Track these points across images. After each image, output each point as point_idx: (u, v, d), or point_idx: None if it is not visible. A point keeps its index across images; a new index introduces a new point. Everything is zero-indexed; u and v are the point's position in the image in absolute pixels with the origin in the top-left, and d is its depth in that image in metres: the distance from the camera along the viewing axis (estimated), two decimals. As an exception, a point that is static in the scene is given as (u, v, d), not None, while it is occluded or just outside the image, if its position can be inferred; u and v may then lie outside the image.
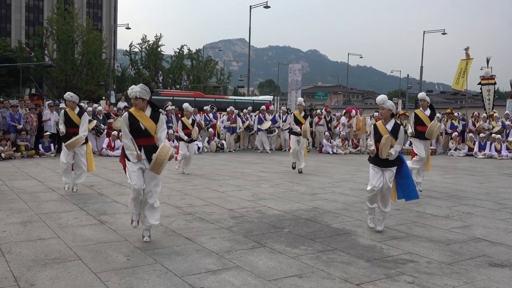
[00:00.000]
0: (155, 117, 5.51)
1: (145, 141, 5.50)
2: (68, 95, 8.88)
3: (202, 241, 5.55)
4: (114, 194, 8.50)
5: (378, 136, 6.15)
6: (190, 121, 11.51)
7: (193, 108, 12.63)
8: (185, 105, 11.82)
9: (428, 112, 9.10)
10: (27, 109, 15.50)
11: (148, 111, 5.51)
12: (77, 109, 8.79)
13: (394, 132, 6.13)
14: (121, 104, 20.59)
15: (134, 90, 5.40)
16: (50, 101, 18.99)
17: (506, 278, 4.55)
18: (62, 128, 8.73)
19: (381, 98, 6.24)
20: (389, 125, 6.18)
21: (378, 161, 6.15)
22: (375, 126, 6.32)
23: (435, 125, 8.76)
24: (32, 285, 4.08)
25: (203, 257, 4.97)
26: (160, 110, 5.70)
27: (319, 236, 5.94)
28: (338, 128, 19.70)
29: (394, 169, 6.16)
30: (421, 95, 9.39)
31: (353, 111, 20.23)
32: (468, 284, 4.38)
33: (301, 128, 11.81)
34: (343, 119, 19.78)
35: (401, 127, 6.23)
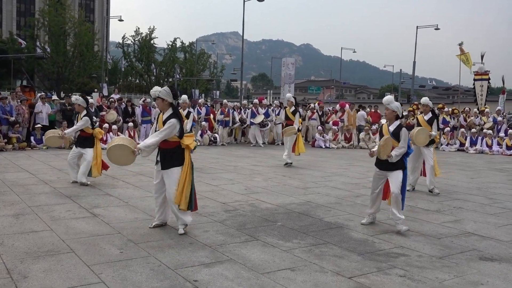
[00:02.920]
0: (165, 121, 5.52)
1: (161, 144, 5.57)
2: (73, 97, 8.91)
3: (195, 234, 5.56)
4: (107, 187, 8.49)
5: (381, 137, 6.06)
6: (185, 112, 11.40)
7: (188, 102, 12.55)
8: (184, 97, 11.84)
9: (428, 116, 8.86)
10: (19, 101, 15.39)
11: (166, 114, 5.55)
12: (84, 112, 8.69)
13: (396, 134, 5.94)
14: (115, 96, 20.48)
15: (155, 89, 5.57)
16: (42, 93, 18.86)
17: (495, 272, 4.62)
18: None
19: (387, 98, 6.09)
20: (392, 127, 6.03)
21: (380, 163, 6.06)
22: (380, 127, 6.25)
23: (417, 132, 8.34)
24: (25, 278, 4.08)
25: (196, 250, 4.99)
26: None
27: (311, 229, 5.98)
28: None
29: (398, 172, 5.93)
30: (424, 100, 9.06)
31: (347, 106, 20.30)
32: (459, 277, 4.43)
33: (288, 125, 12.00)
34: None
35: (404, 129, 5.96)
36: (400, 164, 5.98)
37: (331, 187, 9.16)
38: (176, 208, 5.53)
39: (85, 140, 8.73)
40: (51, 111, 16.01)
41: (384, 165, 6.02)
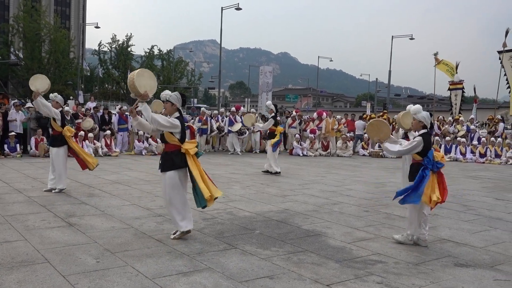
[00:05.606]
0: None
1: (165, 147, 5.81)
2: (53, 94, 9.03)
3: (173, 243, 5.52)
4: (83, 196, 8.37)
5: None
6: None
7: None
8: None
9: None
10: (-8, 108, 15.08)
11: (172, 117, 5.67)
12: (60, 109, 8.94)
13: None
14: (91, 105, 20.23)
15: (166, 93, 5.72)
16: (15, 101, 18.53)
17: (470, 278, 4.70)
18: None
19: (414, 108, 5.89)
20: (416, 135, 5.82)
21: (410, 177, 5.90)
22: (405, 134, 6.23)
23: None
24: (-2, 289, 3.99)
25: (174, 259, 4.95)
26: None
27: (289, 237, 5.99)
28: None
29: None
30: (414, 109, 8.80)
31: (324, 114, 20.46)
32: (434, 283, 4.49)
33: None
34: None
35: (419, 138, 5.65)
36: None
37: (308, 195, 9.20)
38: (173, 212, 5.72)
39: (54, 139, 8.80)
40: (24, 118, 15.74)
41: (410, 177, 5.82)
